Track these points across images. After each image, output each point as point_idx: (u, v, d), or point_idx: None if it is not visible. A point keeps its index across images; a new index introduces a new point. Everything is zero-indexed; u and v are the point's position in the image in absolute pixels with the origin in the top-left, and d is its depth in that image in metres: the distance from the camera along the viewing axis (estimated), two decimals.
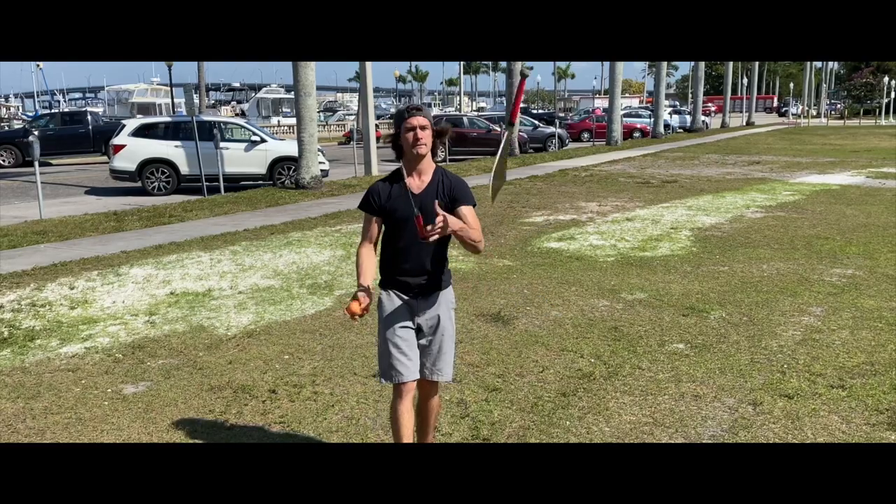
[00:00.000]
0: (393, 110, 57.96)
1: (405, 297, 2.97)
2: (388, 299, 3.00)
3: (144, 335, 5.37)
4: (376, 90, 26.47)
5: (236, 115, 54.64)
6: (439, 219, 2.63)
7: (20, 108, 71.26)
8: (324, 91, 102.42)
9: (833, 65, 74.40)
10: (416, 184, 2.91)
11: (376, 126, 20.87)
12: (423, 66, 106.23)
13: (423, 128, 2.85)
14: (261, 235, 9.33)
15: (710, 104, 59.13)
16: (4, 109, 48.78)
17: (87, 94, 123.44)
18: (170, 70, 26.12)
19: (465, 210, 2.90)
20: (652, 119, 33.61)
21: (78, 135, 22.29)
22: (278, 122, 42.03)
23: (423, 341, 3.00)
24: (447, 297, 3.05)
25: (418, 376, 2.98)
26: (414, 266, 2.94)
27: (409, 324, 2.98)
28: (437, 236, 2.64)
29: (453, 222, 2.70)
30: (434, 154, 2.95)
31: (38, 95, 77.60)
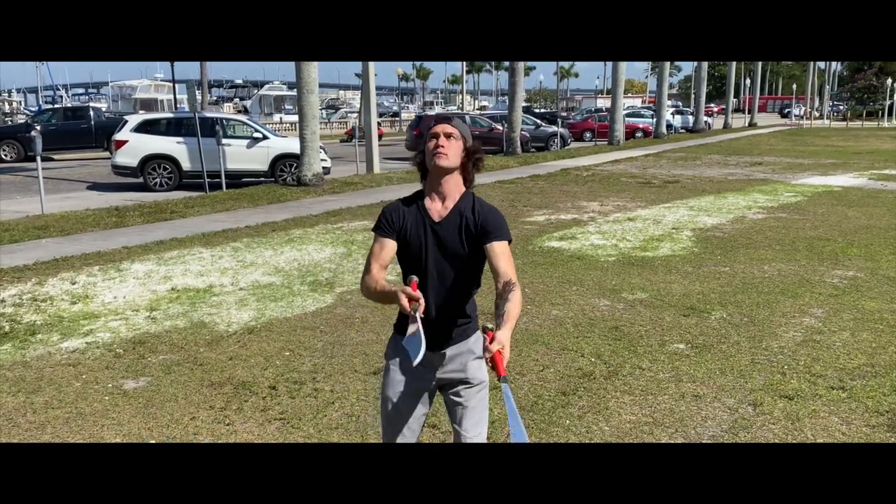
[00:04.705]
0: (395, 108, 57.94)
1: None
2: (400, 349, 2.45)
3: (145, 331, 5.37)
4: (379, 88, 26.54)
5: (238, 111, 54.70)
6: (494, 347, 2.05)
7: (23, 102, 71.32)
8: (326, 88, 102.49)
9: (836, 66, 74.32)
10: (437, 209, 2.38)
11: (378, 124, 20.88)
12: (426, 64, 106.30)
13: (448, 135, 2.34)
14: (262, 232, 9.33)
15: (711, 106, 59.11)
16: (7, 104, 48.86)
17: (90, 90, 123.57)
18: (172, 67, 26.14)
19: (498, 247, 2.32)
20: (654, 119, 33.59)
21: (80, 130, 22.30)
22: (280, 118, 42.10)
23: (453, 398, 2.48)
24: (475, 345, 2.48)
25: (416, 440, 2.58)
26: (434, 311, 2.38)
27: (423, 385, 2.48)
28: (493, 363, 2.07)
29: (505, 345, 2.07)
30: (467, 180, 2.43)
31: (41, 90, 77.69)
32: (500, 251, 2.31)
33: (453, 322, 2.42)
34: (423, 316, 2.20)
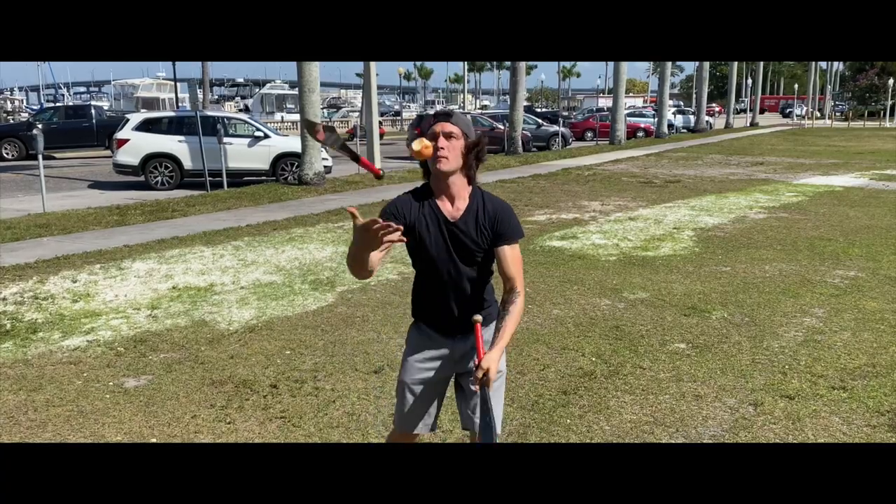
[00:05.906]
0: (396, 107, 57.90)
1: (441, 339, 2.50)
2: (420, 336, 2.53)
3: (146, 329, 5.38)
4: (380, 87, 26.55)
5: (240, 110, 54.70)
6: (480, 374, 2.20)
7: (24, 101, 71.35)
8: (328, 87, 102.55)
9: (838, 66, 74.18)
10: (450, 210, 2.38)
11: (380, 123, 20.88)
12: (428, 63, 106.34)
13: (448, 135, 2.32)
14: (263, 231, 9.34)
15: (713, 106, 59.02)
16: (9, 103, 48.87)
17: (92, 88, 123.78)
18: (174, 66, 26.13)
19: (508, 251, 2.37)
20: (656, 119, 33.57)
21: (82, 129, 22.33)
22: (282, 117, 42.04)
23: (469, 390, 2.52)
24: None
25: (429, 432, 2.61)
26: (453, 303, 2.45)
27: (442, 373, 2.53)
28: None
29: (492, 367, 2.21)
30: (471, 177, 2.41)
31: (42, 89, 77.77)
32: (510, 255, 2.36)
33: (473, 311, 2.44)
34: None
